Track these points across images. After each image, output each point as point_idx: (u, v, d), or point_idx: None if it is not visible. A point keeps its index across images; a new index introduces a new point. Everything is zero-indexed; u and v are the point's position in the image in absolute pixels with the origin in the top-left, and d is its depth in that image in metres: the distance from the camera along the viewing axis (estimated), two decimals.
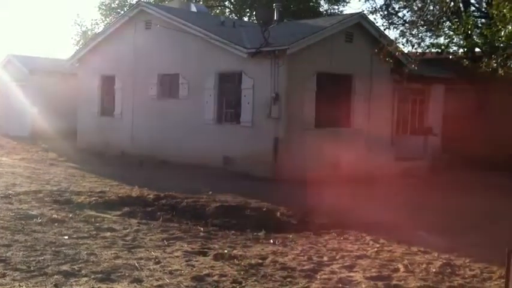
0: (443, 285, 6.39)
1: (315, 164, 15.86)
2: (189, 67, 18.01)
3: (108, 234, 8.09)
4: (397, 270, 6.95)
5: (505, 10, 8.16)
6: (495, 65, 9.33)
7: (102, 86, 21.57)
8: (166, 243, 7.70)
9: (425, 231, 9.35)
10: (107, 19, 36.55)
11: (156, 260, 6.79)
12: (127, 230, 8.40)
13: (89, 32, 38.09)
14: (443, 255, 7.70)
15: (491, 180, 16.70)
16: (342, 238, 8.76)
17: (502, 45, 9.76)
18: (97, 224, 8.71)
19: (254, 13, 30.53)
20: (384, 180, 16.40)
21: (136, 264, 6.51)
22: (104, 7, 37.23)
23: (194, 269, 6.49)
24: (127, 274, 6.13)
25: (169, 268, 6.45)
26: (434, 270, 6.95)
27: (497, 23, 8.96)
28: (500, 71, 9.25)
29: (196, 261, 6.85)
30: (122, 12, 30.08)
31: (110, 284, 5.83)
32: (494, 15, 9.51)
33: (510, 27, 8.20)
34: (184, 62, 18.14)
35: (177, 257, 7.01)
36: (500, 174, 17.97)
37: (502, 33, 8.32)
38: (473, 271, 6.98)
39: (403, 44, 16.77)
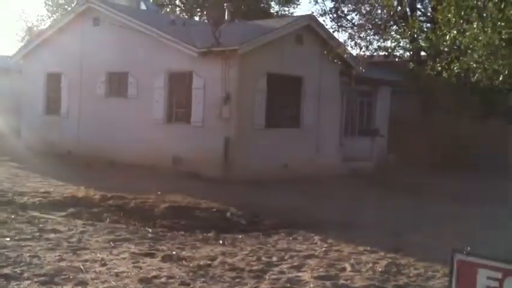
0: (389, 284, 6.51)
1: (265, 164, 15.93)
2: (139, 66, 17.73)
3: (52, 235, 7.86)
4: (344, 269, 7.05)
5: (449, 15, 8.41)
6: (439, 68, 9.60)
7: (48, 84, 20.96)
8: (112, 244, 7.55)
9: (372, 230, 9.54)
10: (54, 15, 35.57)
11: (102, 262, 6.64)
12: (72, 232, 8.19)
13: (35, 29, 36.93)
14: (389, 254, 7.86)
15: (434, 181, 17.17)
16: (291, 238, 8.80)
17: (446, 49, 10.04)
18: (41, 225, 8.45)
19: (205, 13, 30.40)
20: (332, 180, 16.64)
21: (82, 267, 6.35)
22: (50, 3, 36.21)
23: (141, 271, 6.38)
24: (71, 277, 5.96)
25: (116, 270, 6.32)
26: (380, 269, 7.08)
27: (442, 28, 9.23)
28: (444, 74, 9.53)
29: (144, 263, 6.74)
30: (70, 8, 29.33)
31: (53, 287, 5.66)
32: (439, 20, 9.78)
33: (454, 32, 8.47)
34: (134, 61, 17.84)
35: (123, 258, 6.87)
36: (444, 175, 18.52)
37: (447, 37, 8.59)
38: (418, 270, 7.14)
39: (351, 47, 17.03)
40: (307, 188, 14.92)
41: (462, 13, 8.10)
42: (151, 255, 7.11)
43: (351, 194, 14.23)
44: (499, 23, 8.24)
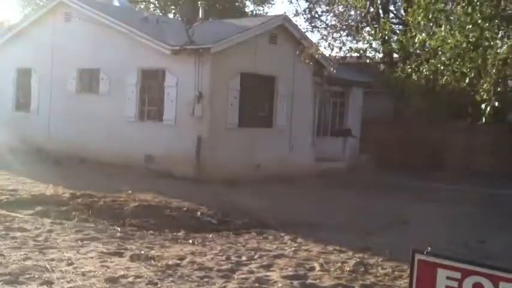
0: (356, 283, 6.58)
1: (238, 164, 15.94)
2: (111, 62, 17.54)
3: (18, 234, 7.73)
4: (313, 269, 7.09)
5: (419, 18, 8.53)
6: (409, 70, 9.73)
7: (18, 79, 20.59)
8: (80, 243, 7.46)
9: (341, 230, 9.62)
10: (26, 10, 34.95)
11: (69, 261, 6.56)
12: (39, 230, 8.07)
13: (5, 23, 36.22)
14: (358, 254, 7.94)
15: (404, 181, 17.41)
16: (261, 238, 8.83)
17: (418, 51, 10.16)
18: (7, 224, 8.30)
19: (178, 10, 30.22)
20: (304, 180, 16.72)
21: (48, 266, 6.26)
22: None
23: (109, 270, 6.32)
24: (37, 276, 5.88)
25: (82, 269, 6.25)
26: (348, 269, 7.14)
27: (412, 30, 9.34)
28: (414, 76, 9.66)
29: (112, 262, 6.68)
30: (42, 3, 28.88)
31: (18, 286, 5.58)
32: (410, 22, 9.90)
33: (423, 34, 8.59)
34: (106, 57, 17.65)
35: (91, 258, 6.81)
36: (413, 175, 18.78)
37: (416, 40, 8.70)
38: (385, 270, 7.23)
39: (325, 48, 17.15)
40: (279, 188, 14.97)
41: (430, 16, 8.23)
42: (119, 254, 7.06)
43: (322, 194, 14.32)
44: (467, 26, 8.38)
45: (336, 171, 19.14)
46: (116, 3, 22.39)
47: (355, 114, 21.47)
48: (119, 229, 8.49)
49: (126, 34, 16.93)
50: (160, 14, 31.55)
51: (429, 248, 3.16)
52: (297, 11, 23.15)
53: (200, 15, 19.12)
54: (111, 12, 18.49)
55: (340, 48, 14.31)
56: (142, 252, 7.18)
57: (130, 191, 11.67)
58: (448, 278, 3.05)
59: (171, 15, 31.87)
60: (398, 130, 21.89)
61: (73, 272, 6.12)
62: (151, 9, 33.90)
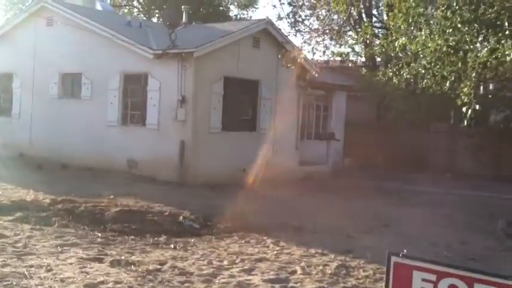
0: (338, 286, 6.59)
1: (221, 168, 15.90)
2: (93, 66, 17.44)
3: None
4: (294, 272, 7.08)
5: (399, 22, 8.59)
6: (390, 73, 9.79)
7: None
8: (60, 249, 7.38)
9: (324, 233, 9.63)
10: (8, 14, 34.67)
11: (48, 267, 6.48)
12: (18, 236, 7.97)
13: None
14: (340, 256, 7.95)
15: (387, 185, 17.49)
16: (243, 241, 8.80)
17: (400, 54, 10.23)
18: None
19: (161, 14, 30.14)
20: (288, 184, 16.71)
21: (26, 273, 6.18)
22: (4, 0, 35.29)
23: (88, 276, 6.26)
24: (14, 283, 5.81)
25: (61, 276, 6.18)
26: (330, 271, 7.15)
27: (393, 34, 9.41)
28: (395, 80, 9.73)
29: (91, 268, 6.62)
30: (24, 7, 28.61)
31: None
32: (391, 26, 9.98)
33: (403, 38, 8.65)
34: (88, 61, 17.54)
35: (70, 264, 6.73)
36: (396, 178, 18.88)
37: (396, 44, 8.76)
38: (367, 272, 7.24)
39: (308, 52, 17.19)
40: (262, 192, 14.94)
41: (410, 20, 8.30)
42: (99, 260, 6.99)
43: (305, 198, 14.33)
44: (447, 30, 8.46)
45: (320, 174, 19.18)
46: (99, 8, 22.29)
47: (338, 117, 21.53)
48: (100, 234, 8.42)
49: (109, 38, 16.84)
50: (144, 18, 31.45)
51: (404, 251, 3.17)
52: (279, 15, 23.14)
53: (184, 19, 19.08)
54: (93, 17, 18.39)
55: (324, 52, 14.38)
56: (123, 257, 7.12)
57: (112, 196, 11.60)
58: (423, 280, 3.05)
59: (155, 20, 31.78)
60: (381, 133, 22.03)
61: (52, 279, 6.05)
62: (135, 13, 33.77)
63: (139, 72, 16.46)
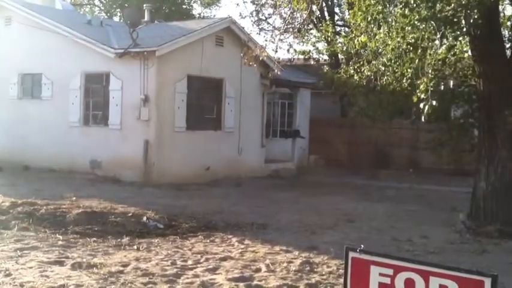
0: (301, 283, 6.60)
1: (187, 167, 15.84)
2: (53, 66, 17.12)
3: None
4: (259, 270, 7.08)
5: (359, 19, 8.68)
6: (352, 71, 9.90)
7: None
8: (19, 253, 7.21)
9: (288, 230, 9.69)
10: None
11: (7, 272, 6.32)
12: None
13: None
14: (304, 253, 7.99)
15: (351, 181, 17.70)
16: (208, 241, 8.76)
17: (362, 51, 10.34)
18: None
19: (122, 12, 29.79)
20: (254, 182, 16.79)
21: None
22: None
23: (48, 280, 6.13)
24: None
25: (21, 280, 6.04)
26: (294, 268, 7.17)
27: (353, 32, 9.52)
28: (356, 77, 9.84)
29: (52, 271, 6.49)
30: None
31: None
32: (351, 24, 10.09)
33: (363, 36, 8.74)
34: (48, 61, 17.21)
35: (30, 268, 6.58)
36: (360, 174, 19.13)
37: (356, 42, 8.86)
38: (330, 268, 7.29)
39: (273, 50, 17.22)
40: (228, 190, 14.95)
41: (370, 18, 8.39)
42: (60, 263, 6.85)
43: (270, 195, 14.38)
44: (406, 28, 8.59)
45: (286, 172, 19.29)
46: (59, 7, 21.88)
47: (303, 115, 21.68)
48: (61, 237, 8.26)
49: (69, 38, 16.57)
50: (106, 17, 31.01)
51: (362, 246, 3.20)
52: (240, 13, 23.12)
53: (146, 18, 18.89)
54: (53, 16, 18.05)
55: (288, 50, 14.43)
56: (84, 260, 6.99)
57: (74, 198, 11.41)
58: (380, 274, 3.09)
59: (116, 19, 31.38)
60: (345, 130, 22.29)
61: (11, 284, 5.91)
62: (96, 12, 33.29)
63: (100, 71, 16.25)
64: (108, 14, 32.43)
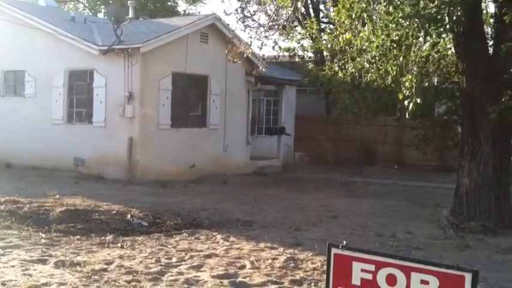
0: (286, 279, 6.62)
1: (171, 164, 15.79)
2: (37, 64, 16.95)
3: None
4: (243, 267, 7.08)
5: (343, 17, 8.70)
6: (336, 68, 9.92)
7: None
8: (2, 252, 7.13)
9: (273, 227, 9.70)
10: None
11: None
12: None
13: None
14: (288, 250, 8.00)
15: (336, 178, 17.76)
16: (193, 238, 8.74)
17: (348, 48, 10.36)
18: None
19: (106, 9, 29.58)
20: (239, 179, 16.79)
21: None
22: None
23: (31, 278, 6.08)
24: None
25: (3, 279, 5.98)
26: (278, 265, 7.17)
27: (338, 29, 9.54)
28: (340, 74, 9.88)
29: (35, 270, 6.43)
30: None
31: None
32: (336, 22, 10.11)
33: (347, 33, 8.77)
34: (31, 58, 17.04)
35: (12, 266, 6.52)
36: (345, 171, 19.21)
37: (340, 39, 8.88)
38: (315, 264, 7.30)
39: (258, 47, 17.21)
40: (213, 188, 14.93)
41: (354, 15, 8.41)
42: (43, 261, 6.79)
43: (256, 192, 14.38)
44: (390, 25, 8.63)
45: (271, 169, 19.31)
46: (42, 3, 21.66)
47: (288, 112, 21.70)
48: (44, 235, 8.18)
49: (52, 34, 16.42)
50: (90, 14, 30.78)
51: (344, 242, 3.21)
52: (225, 10, 23.09)
53: (130, 15, 18.76)
54: (36, 12, 17.87)
55: (273, 47, 14.45)
56: (68, 258, 6.94)
57: (58, 196, 11.32)
58: (362, 270, 3.11)
59: (101, 15, 31.15)
60: (330, 127, 22.36)
61: None
62: (81, 9, 33.02)
63: (84, 68, 16.13)
64: (93, 11, 32.19)
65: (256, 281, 6.49)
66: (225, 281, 6.39)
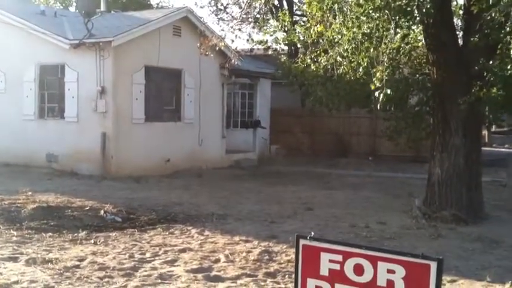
0: (260, 272, 6.65)
1: (146, 159, 15.68)
2: (6, 58, 16.63)
3: None
4: (218, 260, 7.09)
5: (314, 9, 8.72)
6: (309, 60, 9.94)
7: None
8: None
9: (249, 220, 9.71)
10: None
11: None
12: None
13: None
14: (263, 242, 8.03)
15: (312, 170, 17.85)
16: (167, 233, 8.71)
17: (320, 41, 10.38)
18: None
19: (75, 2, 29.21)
20: (214, 173, 16.76)
21: None
22: None
23: (1, 276, 6.00)
24: None
25: None
26: (253, 258, 7.20)
27: (310, 21, 9.55)
28: (313, 67, 9.90)
29: (5, 268, 6.35)
30: None
31: None
32: (308, 14, 10.12)
33: (318, 26, 8.79)
34: (1, 53, 16.71)
35: None
36: (320, 163, 19.31)
37: (312, 31, 8.90)
38: (289, 256, 7.33)
39: (231, 40, 17.16)
40: (188, 182, 14.88)
41: (325, 7, 8.43)
42: (14, 259, 6.71)
43: (231, 186, 14.38)
44: (361, 17, 8.68)
45: (247, 162, 19.31)
46: None
47: (263, 105, 21.71)
48: (15, 233, 8.07)
49: (22, 28, 16.12)
50: (61, 7, 30.32)
51: (312, 233, 3.23)
52: (196, 3, 23.00)
53: (102, 8, 18.56)
54: (5, 6, 17.48)
55: (247, 40, 14.44)
56: (39, 255, 6.86)
57: (30, 193, 11.16)
58: (330, 261, 3.12)
59: (72, 9, 30.72)
60: (305, 120, 22.45)
61: None
62: (52, 2, 32.49)
63: (55, 63, 15.89)
64: (64, 5, 31.72)
65: (231, 274, 6.50)
66: (199, 275, 6.39)
